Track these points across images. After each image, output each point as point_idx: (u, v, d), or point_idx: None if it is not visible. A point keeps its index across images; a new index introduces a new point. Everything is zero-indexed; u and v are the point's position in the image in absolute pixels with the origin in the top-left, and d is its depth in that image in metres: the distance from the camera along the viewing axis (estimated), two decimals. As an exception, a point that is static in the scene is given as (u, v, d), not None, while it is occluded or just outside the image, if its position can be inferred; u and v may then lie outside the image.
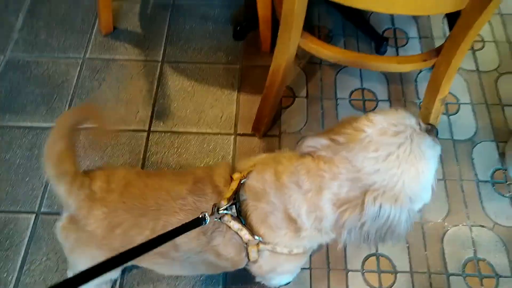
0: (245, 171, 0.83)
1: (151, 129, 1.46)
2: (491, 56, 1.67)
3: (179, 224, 0.71)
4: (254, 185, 0.80)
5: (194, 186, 0.83)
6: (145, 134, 1.45)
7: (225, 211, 0.78)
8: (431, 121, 1.30)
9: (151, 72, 1.58)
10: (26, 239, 1.25)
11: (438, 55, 1.12)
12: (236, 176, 0.83)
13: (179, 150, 1.42)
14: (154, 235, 0.67)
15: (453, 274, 1.25)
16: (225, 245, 0.82)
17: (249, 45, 1.66)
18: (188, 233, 0.71)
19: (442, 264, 1.26)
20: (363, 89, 1.58)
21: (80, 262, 0.90)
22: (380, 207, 0.67)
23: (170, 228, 0.70)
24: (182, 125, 1.47)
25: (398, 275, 1.25)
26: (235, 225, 0.79)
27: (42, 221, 1.28)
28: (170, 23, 1.71)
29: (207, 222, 0.74)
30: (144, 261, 0.92)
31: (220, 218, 0.79)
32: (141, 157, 1.40)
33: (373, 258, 1.27)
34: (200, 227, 0.74)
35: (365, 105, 1.54)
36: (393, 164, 0.68)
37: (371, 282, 1.23)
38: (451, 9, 0.92)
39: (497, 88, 1.59)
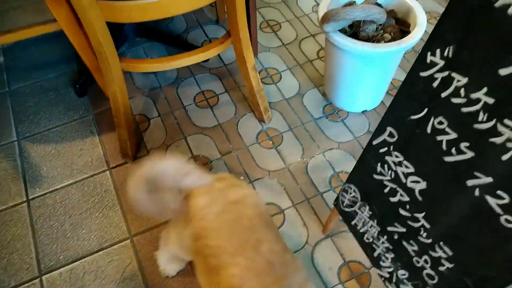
0: None
1: (29, 197, 1.51)
2: (288, 31, 2.07)
3: None
4: None
5: None
6: (25, 204, 1.50)
7: None
8: (256, 88, 1.58)
9: (11, 152, 1.64)
10: None
11: (230, 36, 1.42)
12: None
13: (63, 202, 1.50)
14: None
15: (324, 192, 1.52)
16: None
17: (93, 96, 1.82)
18: None
19: (314, 188, 1.52)
20: (203, 91, 1.83)
21: None
22: None
23: None
24: (58, 182, 1.55)
25: (285, 212, 1.47)
26: None
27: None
28: (12, 106, 1.79)
29: None
30: None
31: None
32: (29, 224, 1.45)
33: (262, 209, 1.48)
34: None
35: (209, 102, 1.80)
36: None
37: (267, 227, 1.43)
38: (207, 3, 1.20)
39: (302, 50, 1.98)
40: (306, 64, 1.93)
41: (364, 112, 1.74)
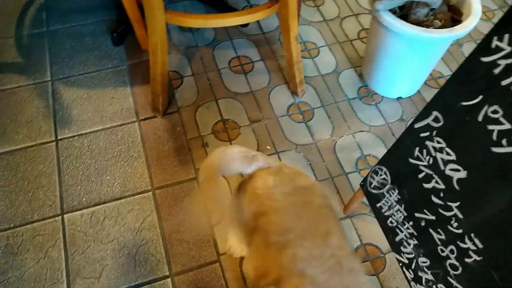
0: None
1: (58, 137, 1.53)
2: (331, 7, 2.02)
3: None
4: None
5: None
6: (54, 143, 1.52)
7: None
8: (295, 59, 1.56)
9: (43, 91, 1.66)
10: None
11: (277, 1, 1.39)
12: None
13: (90, 147, 1.51)
14: None
15: (350, 173, 1.50)
16: None
17: (130, 47, 1.82)
18: None
19: (340, 168, 1.51)
20: (238, 57, 1.81)
21: None
22: None
23: None
24: (87, 127, 1.57)
25: (308, 187, 1.46)
26: None
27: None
28: (49, 47, 1.80)
29: None
30: None
31: None
32: (55, 163, 1.47)
33: (284, 180, 1.47)
34: None
35: (244, 68, 1.78)
36: None
37: (288, 199, 1.43)
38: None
39: (343, 29, 1.93)
40: (346, 43, 1.89)
41: (399, 99, 1.71)
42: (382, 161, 1.14)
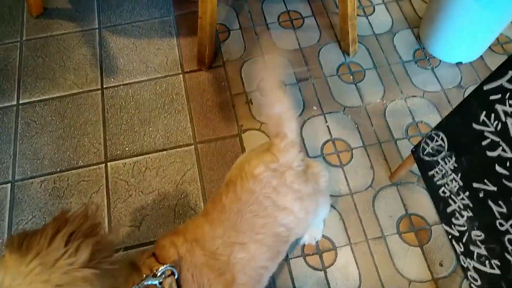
0: None
1: (104, 86, 1.53)
2: (391, -38, 1.87)
3: None
4: None
5: None
6: (99, 91, 1.52)
7: None
8: (350, 14, 1.46)
9: (91, 39, 1.65)
10: (7, 205, 1.30)
11: None
12: None
13: (135, 97, 1.51)
14: None
15: (399, 139, 1.43)
16: None
17: (177, -3, 1.77)
18: None
19: (389, 133, 1.43)
20: (288, 11, 1.73)
21: None
22: None
23: None
24: (132, 77, 1.55)
25: (353, 151, 1.40)
26: None
27: (19, 187, 1.33)
28: (97, -6, 1.78)
29: None
30: None
31: None
32: (100, 112, 1.48)
33: (330, 143, 1.42)
34: None
35: (293, 23, 1.69)
36: None
37: (332, 163, 1.38)
38: None
39: (402, -14, 1.79)
40: (404, 1, 1.75)
41: (458, 64, 1.58)
42: (440, 126, 1.06)
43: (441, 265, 1.21)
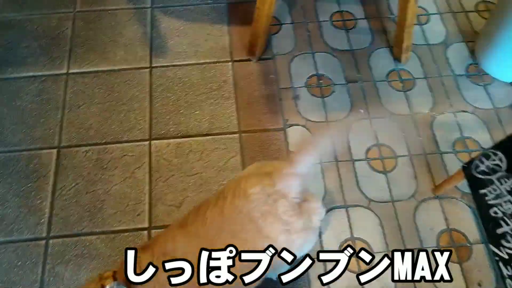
0: None
1: (153, 65, 1.53)
2: (451, -28, 1.84)
3: None
4: None
5: None
6: (148, 70, 1.52)
7: None
8: (408, 21, 1.44)
9: (142, 17, 1.65)
10: (52, 170, 1.31)
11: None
12: None
13: (182, 79, 1.50)
14: None
15: (445, 153, 1.40)
16: None
17: (231, -15, 1.75)
18: None
19: (435, 145, 1.41)
20: (342, 11, 1.71)
21: None
22: None
23: None
24: (181, 59, 1.55)
25: (398, 159, 1.39)
26: None
27: (64, 154, 1.34)
28: (152, -27, 1.77)
29: None
30: None
31: None
32: (148, 90, 1.48)
33: (375, 148, 1.40)
34: None
35: (346, 24, 1.67)
36: None
37: (375, 168, 1.37)
38: None
39: (460, -2, 1.76)
40: (460, 14, 1.72)
41: (512, 84, 1.55)
42: (500, 145, 1.04)
43: (479, 285, 1.19)
